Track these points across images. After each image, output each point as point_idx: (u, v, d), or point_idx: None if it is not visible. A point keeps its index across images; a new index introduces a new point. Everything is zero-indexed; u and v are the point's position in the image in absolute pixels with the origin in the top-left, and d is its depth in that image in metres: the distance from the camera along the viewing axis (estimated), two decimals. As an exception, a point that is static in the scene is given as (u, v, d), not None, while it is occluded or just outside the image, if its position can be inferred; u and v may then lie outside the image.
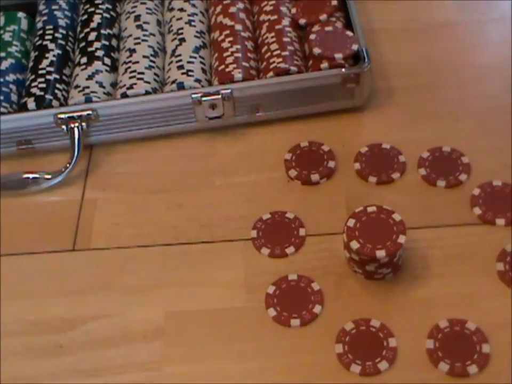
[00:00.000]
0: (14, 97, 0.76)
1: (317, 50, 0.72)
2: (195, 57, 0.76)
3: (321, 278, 0.63)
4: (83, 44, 0.79)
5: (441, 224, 0.65)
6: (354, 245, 0.59)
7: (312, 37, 0.74)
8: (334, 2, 0.77)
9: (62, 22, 0.82)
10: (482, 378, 0.56)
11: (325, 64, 0.72)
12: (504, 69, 0.77)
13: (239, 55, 0.75)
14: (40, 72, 0.77)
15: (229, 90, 0.71)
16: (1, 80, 0.77)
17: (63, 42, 0.80)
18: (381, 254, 0.58)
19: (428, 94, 0.76)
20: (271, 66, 0.74)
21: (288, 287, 0.62)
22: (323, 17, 0.76)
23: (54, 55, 0.78)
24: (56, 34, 0.80)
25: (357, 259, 0.60)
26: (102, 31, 0.80)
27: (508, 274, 0.61)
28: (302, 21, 0.77)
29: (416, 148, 0.71)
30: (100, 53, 0.78)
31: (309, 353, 0.59)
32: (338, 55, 0.72)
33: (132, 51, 0.77)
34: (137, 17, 0.81)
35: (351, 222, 0.60)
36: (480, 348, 0.57)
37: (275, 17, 0.78)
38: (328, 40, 0.73)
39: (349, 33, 0.74)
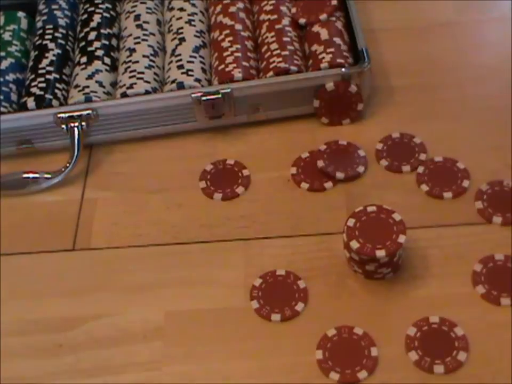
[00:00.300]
0: (13, 96, 0.76)
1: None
2: (195, 57, 0.76)
3: (321, 278, 0.63)
4: (83, 43, 0.79)
5: (441, 224, 0.65)
6: (354, 244, 0.59)
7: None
8: (334, 2, 0.77)
9: (62, 22, 0.82)
10: (481, 379, 0.56)
11: (325, 64, 0.72)
12: (504, 69, 0.77)
13: (239, 54, 0.75)
14: (40, 71, 0.77)
15: (228, 90, 0.71)
16: (1, 79, 0.77)
17: (63, 42, 0.80)
18: (380, 253, 0.58)
19: (427, 94, 0.76)
20: (271, 65, 0.73)
21: (275, 281, 0.62)
22: (323, 16, 0.76)
23: (53, 55, 0.78)
24: (56, 34, 0.80)
25: (357, 259, 0.60)
26: (102, 31, 0.80)
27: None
28: (302, 21, 0.77)
29: (416, 147, 0.71)
30: (99, 53, 0.78)
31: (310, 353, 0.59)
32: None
33: (132, 50, 0.77)
34: (137, 17, 0.81)
35: (351, 222, 0.60)
36: (457, 353, 0.56)
37: (275, 16, 0.78)
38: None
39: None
